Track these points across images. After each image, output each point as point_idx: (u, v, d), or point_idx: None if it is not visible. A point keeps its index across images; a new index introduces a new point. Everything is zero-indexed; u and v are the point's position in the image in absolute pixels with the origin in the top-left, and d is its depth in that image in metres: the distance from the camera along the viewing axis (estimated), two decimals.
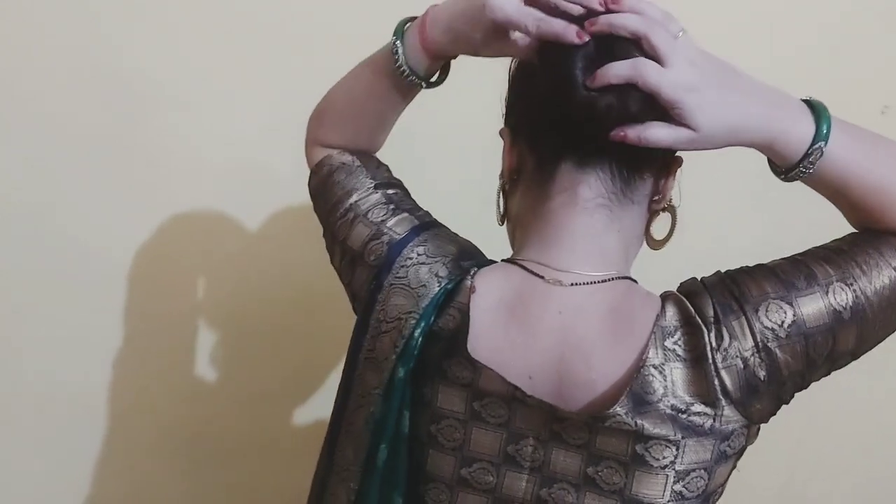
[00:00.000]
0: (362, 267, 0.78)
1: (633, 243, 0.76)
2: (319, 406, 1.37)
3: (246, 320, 1.32)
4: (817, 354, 0.68)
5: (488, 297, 0.72)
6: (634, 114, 0.66)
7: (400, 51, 0.77)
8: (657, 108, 0.66)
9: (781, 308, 0.67)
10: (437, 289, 0.72)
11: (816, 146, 0.68)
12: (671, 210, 0.76)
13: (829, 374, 0.71)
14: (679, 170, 0.76)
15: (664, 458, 0.67)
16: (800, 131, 0.68)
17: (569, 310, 0.70)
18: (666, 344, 0.67)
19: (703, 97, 0.65)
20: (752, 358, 0.67)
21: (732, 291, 0.69)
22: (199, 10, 1.21)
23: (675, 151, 0.73)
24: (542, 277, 0.72)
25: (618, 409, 0.66)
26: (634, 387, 0.66)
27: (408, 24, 0.78)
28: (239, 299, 1.32)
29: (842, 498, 1.60)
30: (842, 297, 0.68)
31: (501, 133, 0.78)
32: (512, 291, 0.72)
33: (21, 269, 1.24)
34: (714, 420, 0.67)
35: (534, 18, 0.67)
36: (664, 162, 0.74)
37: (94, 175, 1.23)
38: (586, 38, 0.66)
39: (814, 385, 0.72)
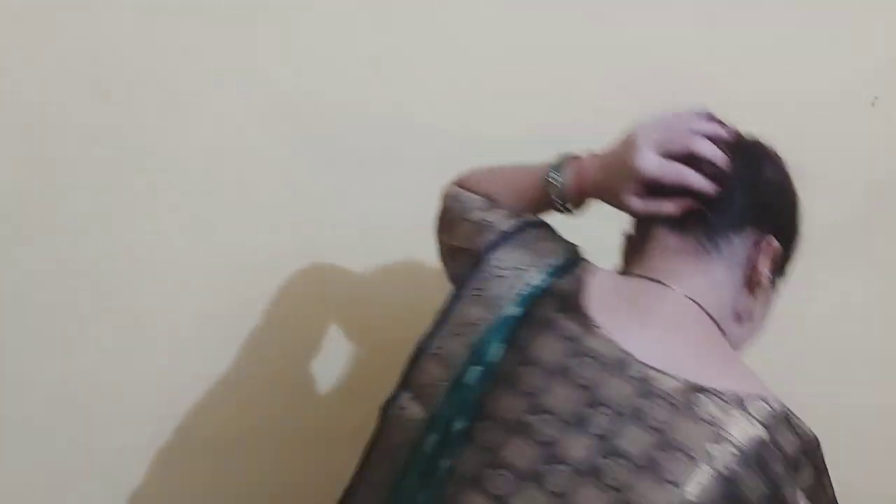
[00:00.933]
0: (490, 231, 0.85)
1: (724, 304, 0.83)
2: (316, 397, 1.37)
3: (235, 315, 1.32)
4: None
5: (605, 279, 0.81)
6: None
7: (558, 188, 0.89)
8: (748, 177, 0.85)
9: None
10: (563, 254, 0.82)
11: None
12: (759, 282, 0.83)
13: None
14: (770, 248, 0.84)
15: (727, 467, 0.68)
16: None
17: (685, 314, 0.79)
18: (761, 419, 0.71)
19: None
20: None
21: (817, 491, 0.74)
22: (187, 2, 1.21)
23: (768, 228, 0.84)
24: (659, 282, 0.81)
25: (725, 392, 0.70)
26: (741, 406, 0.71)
27: (566, 162, 0.90)
28: (230, 290, 1.31)
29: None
30: None
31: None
32: (627, 284, 0.82)
33: (10, 264, 1.23)
34: (776, 466, 0.72)
35: (676, 174, 0.82)
36: (759, 237, 0.83)
37: (78, 171, 1.22)
38: (719, 190, 0.82)
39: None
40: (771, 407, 0.71)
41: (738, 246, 0.82)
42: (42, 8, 1.18)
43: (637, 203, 0.84)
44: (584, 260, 0.83)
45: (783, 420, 0.71)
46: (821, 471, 0.74)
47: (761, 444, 0.69)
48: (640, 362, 0.72)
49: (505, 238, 0.83)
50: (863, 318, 1.49)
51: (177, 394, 1.31)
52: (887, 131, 1.48)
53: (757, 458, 0.68)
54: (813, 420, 0.85)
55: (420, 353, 0.80)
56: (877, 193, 1.49)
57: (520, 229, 0.85)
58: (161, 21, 1.22)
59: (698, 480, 0.67)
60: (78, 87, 1.20)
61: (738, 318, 0.84)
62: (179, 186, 1.26)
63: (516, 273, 0.79)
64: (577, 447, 0.70)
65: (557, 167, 0.89)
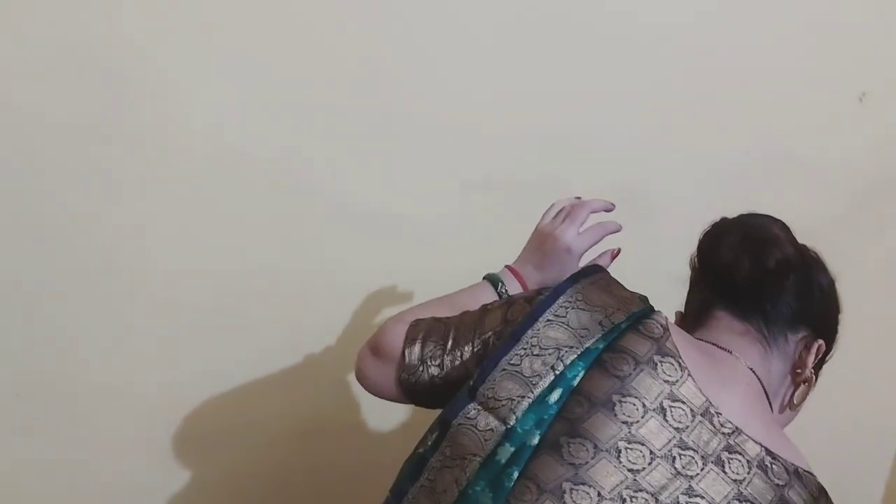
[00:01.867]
0: (525, 304, 0.88)
1: (775, 393, 0.91)
2: (302, 391, 1.37)
3: (227, 308, 1.32)
4: None
5: (683, 334, 0.87)
6: (769, 279, 0.90)
7: (505, 290, 0.98)
8: (787, 271, 0.91)
9: None
10: (601, 332, 0.83)
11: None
12: (808, 381, 0.92)
13: None
14: (819, 349, 0.92)
15: None
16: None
17: (753, 386, 0.86)
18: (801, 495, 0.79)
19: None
20: None
21: None
22: None
23: (816, 330, 0.93)
24: (730, 352, 0.87)
25: (787, 461, 0.78)
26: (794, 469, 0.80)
27: (500, 277, 1.00)
28: (221, 287, 1.31)
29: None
30: None
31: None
32: (702, 345, 0.88)
33: (2, 262, 1.23)
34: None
35: (603, 228, 1.00)
36: (808, 337, 0.92)
37: (72, 164, 1.22)
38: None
39: None
40: (818, 483, 0.80)
41: (791, 342, 0.91)
42: (35, 6, 1.17)
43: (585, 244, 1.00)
44: (659, 311, 0.87)
45: (824, 495, 0.81)
46: None
47: None
48: (725, 417, 0.79)
49: (580, 276, 0.88)
50: (853, 311, 1.51)
51: (169, 390, 1.31)
52: (874, 126, 1.49)
53: None
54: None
55: (491, 368, 0.82)
56: (865, 187, 1.50)
57: (593, 272, 0.90)
58: (155, 18, 1.21)
59: None
60: (57, 73, 1.19)
61: (782, 406, 0.92)
62: (174, 186, 1.26)
63: (602, 310, 0.83)
64: (663, 482, 0.75)
65: (495, 281, 0.99)
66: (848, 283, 1.50)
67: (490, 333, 0.86)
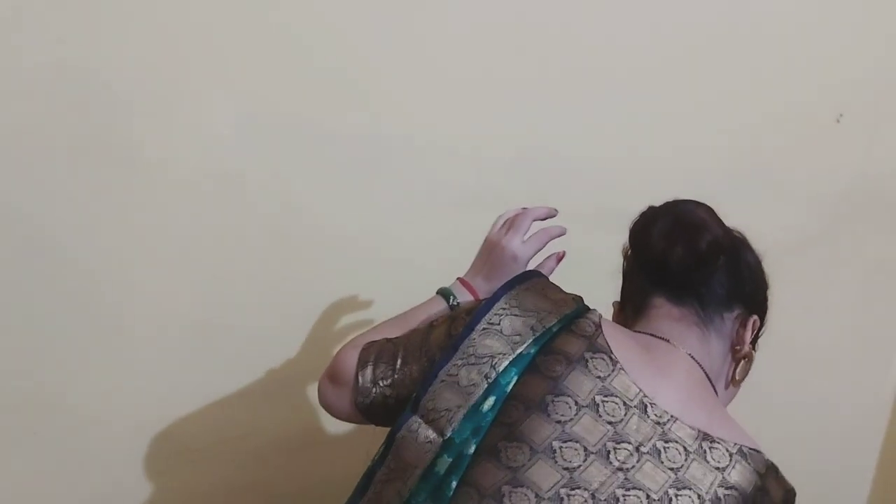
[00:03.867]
0: (460, 321, 0.88)
1: (716, 373, 0.92)
2: (291, 404, 1.37)
3: (217, 322, 1.32)
4: None
5: (617, 328, 0.88)
6: (700, 261, 0.91)
7: (457, 303, 1.00)
8: (718, 253, 0.91)
9: None
10: (532, 338, 0.84)
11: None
12: (748, 357, 0.94)
13: None
14: (754, 325, 0.94)
15: None
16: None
17: (692, 372, 0.87)
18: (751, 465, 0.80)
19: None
20: None
21: None
22: (172, 12, 1.21)
23: (749, 307, 0.94)
24: (667, 340, 0.89)
25: (728, 441, 0.79)
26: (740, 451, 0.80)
27: (451, 290, 1.02)
28: (209, 302, 1.31)
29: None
30: None
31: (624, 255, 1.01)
32: (638, 337, 0.89)
33: None
34: None
35: (547, 234, 1.02)
36: (743, 314, 0.94)
37: (64, 179, 1.22)
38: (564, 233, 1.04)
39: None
40: (765, 459, 0.82)
41: (727, 321, 0.93)
42: (26, 25, 1.18)
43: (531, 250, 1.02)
44: (594, 309, 0.89)
45: (773, 470, 0.82)
46: None
47: (757, 489, 0.79)
48: (660, 408, 0.80)
49: (515, 283, 0.89)
50: (828, 325, 1.53)
51: (157, 401, 1.31)
52: (852, 146, 1.52)
53: (753, 501, 0.78)
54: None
55: (431, 380, 0.84)
56: (843, 205, 1.52)
57: (528, 277, 0.91)
58: (147, 33, 1.22)
59: None
60: (48, 91, 1.18)
61: (726, 383, 0.94)
62: (166, 197, 1.26)
63: (535, 314, 0.85)
64: (599, 478, 0.76)
65: (447, 294, 1.01)
66: (828, 297, 1.54)
67: (436, 350, 0.86)
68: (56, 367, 1.26)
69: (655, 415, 0.79)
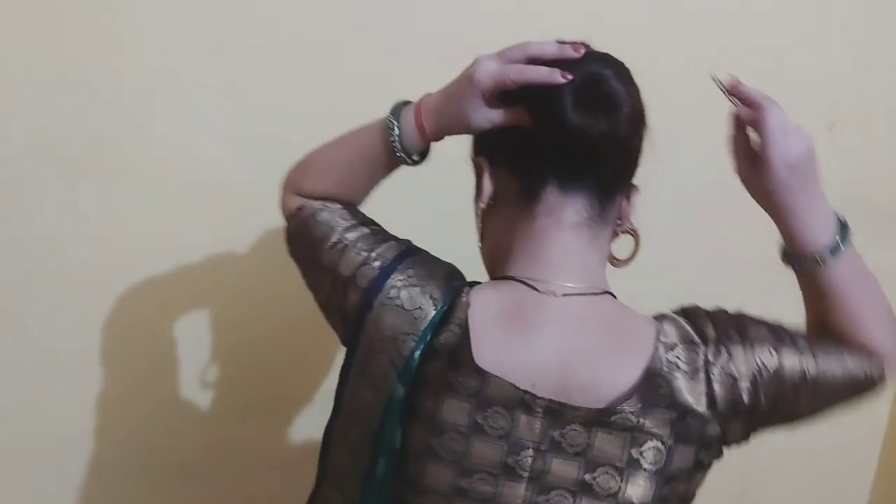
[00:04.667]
0: (354, 290, 0.80)
1: (605, 263, 0.83)
2: (284, 420, 1.37)
3: (211, 332, 1.32)
4: (780, 404, 0.77)
5: (485, 310, 0.77)
6: (623, 136, 0.76)
7: (396, 132, 0.83)
8: (641, 129, 0.79)
9: (771, 353, 0.77)
10: (434, 311, 0.76)
11: (824, 256, 0.80)
12: (634, 233, 0.84)
13: (761, 431, 0.80)
14: (637, 195, 0.84)
15: (656, 462, 0.73)
16: (823, 240, 0.80)
17: (567, 319, 0.76)
18: (668, 356, 0.74)
19: (790, 148, 0.79)
20: (741, 382, 0.75)
21: (734, 325, 0.78)
22: (162, 21, 1.22)
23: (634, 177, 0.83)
24: (536, 289, 0.77)
25: (626, 406, 0.72)
26: (644, 390, 0.73)
27: (404, 107, 0.85)
28: (205, 311, 1.31)
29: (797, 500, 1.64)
30: (811, 366, 0.79)
31: (475, 161, 0.84)
32: (508, 303, 0.77)
33: None
34: (701, 429, 0.74)
35: (516, 71, 0.76)
36: (629, 187, 0.83)
37: (54, 186, 1.22)
38: (570, 77, 0.74)
39: None
40: (683, 309, 0.79)
41: (617, 201, 0.82)
42: (14, 36, 1.19)
43: (486, 115, 0.78)
44: (461, 291, 0.78)
45: (694, 308, 0.80)
46: (707, 313, 0.79)
47: (655, 371, 0.74)
48: (541, 398, 0.73)
49: (371, 296, 0.78)
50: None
51: (151, 415, 1.31)
52: (843, 156, 1.52)
53: (656, 383, 0.74)
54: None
55: (328, 440, 0.82)
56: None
57: (389, 283, 0.79)
58: (138, 42, 1.23)
59: (635, 484, 0.73)
60: (40, 99, 1.20)
61: (612, 262, 0.85)
62: (149, 199, 1.27)
63: (393, 343, 0.76)
64: (517, 494, 0.73)
65: (395, 114, 0.84)
66: None
67: (343, 280, 0.81)
68: (48, 378, 1.26)
69: (540, 407, 0.73)
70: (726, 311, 0.81)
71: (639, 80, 0.81)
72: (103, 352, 1.28)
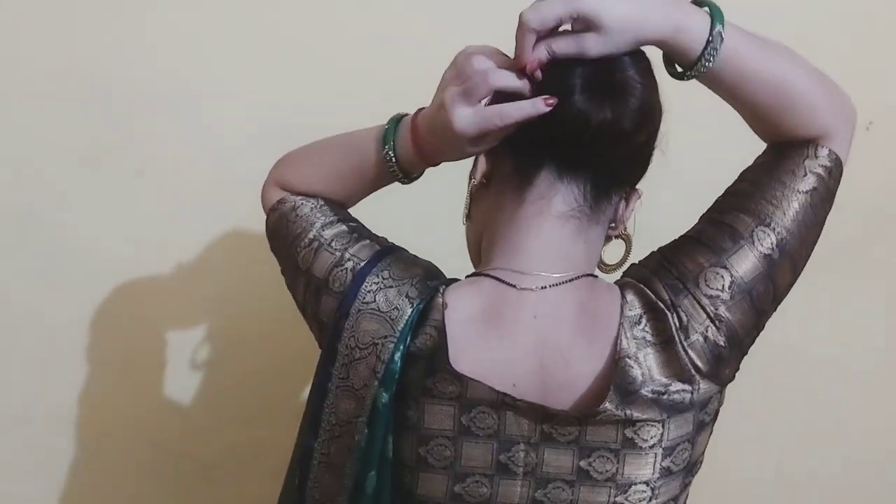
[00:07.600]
0: (327, 295, 0.78)
1: (594, 260, 0.80)
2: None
3: (231, 332, 1.32)
4: (764, 303, 0.73)
5: (462, 311, 0.74)
6: (627, 130, 0.72)
7: (392, 154, 0.80)
8: (649, 126, 0.74)
9: (718, 274, 0.72)
10: (410, 310, 0.74)
11: (716, 31, 0.69)
12: (627, 238, 0.81)
13: (758, 333, 0.76)
14: (638, 201, 0.81)
15: (651, 438, 0.71)
16: (698, 22, 0.70)
17: (543, 314, 0.74)
18: (635, 333, 0.72)
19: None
20: (709, 329, 0.72)
21: (672, 272, 0.73)
22: (186, 21, 1.22)
23: (637, 181, 0.79)
24: (513, 286, 0.75)
25: (607, 404, 0.70)
26: (617, 380, 0.70)
27: (395, 133, 0.81)
28: (226, 311, 1.31)
29: (830, 477, 1.59)
30: (766, 241, 0.73)
31: None
32: (485, 303, 0.75)
33: (5, 278, 1.23)
34: (692, 394, 0.71)
35: (499, 116, 0.72)
36: (628, 190, 0.79)
37: (80, 185, 1.23)
38: (553, 101, 0.71)
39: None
40: (632, 283, 0.74)
41: (613, 201, 0.79)
42: (26, 18, 1.19)
43: (480, 146, 0.76)
44: (437, 290, 0.75)
45: (656, 252, 0.76)
46: (652, 271, 0.75)
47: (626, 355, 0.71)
48: (521, 400, 0.71)
49: (348, 303, 0.76)
50: (861, 336, 1.50)
51: (173, 417, 1.31)
52: (882, 155, 1.49)
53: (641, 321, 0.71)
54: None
55: (308, 461, 0.78)
56: (874, 212, 1.50)
57: (364, 287, 0.76)
58: (158, 41, 1.23)
59: (632, 464, 0.71)
60: (64, 97, 1.21)
61: (601, 267, 0.82)
62: (170, 198, 1.27)
63: (373, 349, 0.74)
64: (514, 492, 0.72)
65: (389, 137, 0.81)
66: (858, 307, 1.51)
67: (316, 283, 0.79)
68: (69, 378, 1.26)
69: (521, 405, 0.71)
70: (662, 260, 0.75)
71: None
72: (124, 352, 1.28)
